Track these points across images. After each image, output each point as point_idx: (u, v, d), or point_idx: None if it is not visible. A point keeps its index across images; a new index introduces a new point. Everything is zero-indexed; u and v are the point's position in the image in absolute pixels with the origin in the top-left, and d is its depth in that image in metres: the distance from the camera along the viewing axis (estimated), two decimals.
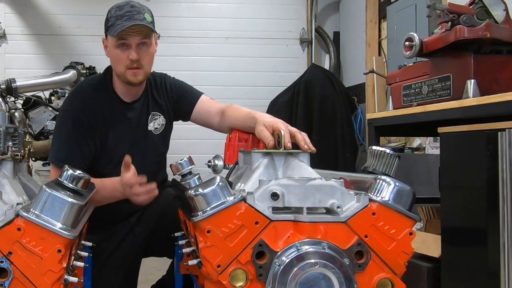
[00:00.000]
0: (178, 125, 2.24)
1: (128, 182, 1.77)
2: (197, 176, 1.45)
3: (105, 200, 1.90)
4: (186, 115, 2.16)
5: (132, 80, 1.96)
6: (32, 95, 4.41)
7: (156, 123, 2.12)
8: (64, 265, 1.20)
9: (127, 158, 1.76)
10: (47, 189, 1.23)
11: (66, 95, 4.47)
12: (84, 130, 1.96)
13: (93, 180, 1.84)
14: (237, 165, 1.66)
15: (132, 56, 1.91)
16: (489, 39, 2.01)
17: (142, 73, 1.97)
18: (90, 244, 1.60)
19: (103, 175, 1.96)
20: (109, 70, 2.08)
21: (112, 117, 2.01)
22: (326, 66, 5.32)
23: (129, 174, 1.77)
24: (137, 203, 1.84)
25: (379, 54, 4.72)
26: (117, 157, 2.02)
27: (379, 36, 4.76)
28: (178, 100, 2.15)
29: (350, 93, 4.85)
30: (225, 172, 1.68)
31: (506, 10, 2.09)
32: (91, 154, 1.99)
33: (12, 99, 4.29)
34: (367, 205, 1.27)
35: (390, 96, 2.61)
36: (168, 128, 2.17)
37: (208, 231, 1.22)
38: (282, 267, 1.20)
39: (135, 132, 2.07)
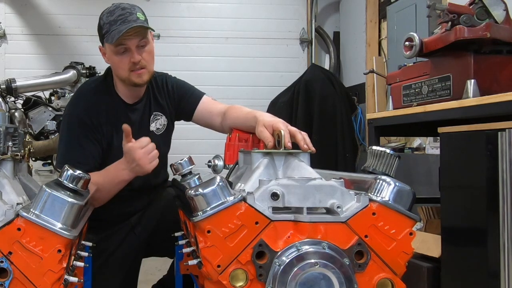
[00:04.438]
0: (178, 125, 2.24)
1: (131, 148, 1.73)
2: (197, 176, 1.45)
3: (114, 186, 1.85)
4: (188, 116, 2.16)
5: (138, 82, 1.95)
6: (32, 95, 4.42)
7: (158, 124, 2.12)
8: (64, 265, 1.20)
9: (126, 127, 1.71)
10: (47, 189, 1.22)
11: (66, 95, 4.48)
12: (91, 133, 1.95)
13: (96, 173, 1.84)
14: (237, 165, 1.66)
15: (134, 59, 1.90)
16: (489, 39, 2.01)
17: (147, 73, 1.96)
18: (90, 244, 1.60)
19: None
20: (109, 72, 2.08)
21: (115, 119, 2.01)
22: (326, 66, 5.33)
23: (130, 143, 1.73)
24: (145, 169, 1.76)
25: (379, 54, 4.73)
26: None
27: (379, 36, 4.76)
28: (180, 100, 2.15)
29: (350, 93, 4.86)
30: (225, 172, 1.68)
31: (506, 10, 2.09)
32: (100, 156, 1.97)
33: (12, 99, 4.29)
34: (367, 205, 1.27)
35: (390, 96, 2.61)
36: (169, 129, 2.16)
37: (208, 231, 1.22)
38: (282, 267, 1.20)
39: (137, 133, 2.06)
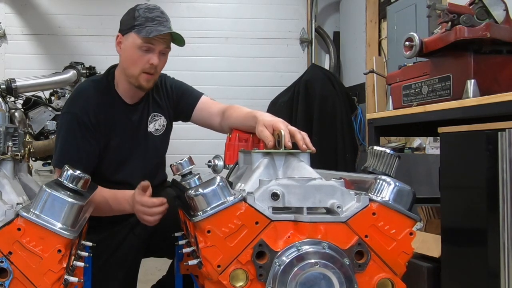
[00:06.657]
0: (178, 125, 2.24)
1: (138, 205, 1.76)
2: (197, 176, 1.45)
3: (116, 211, 1.90)
4: (186, 116, 2.16)
5: (145, 85, 1.97)
6: (32, 95, 4.42)
7: (156, 124, 2.12)
8: (64, 265, 1.20)
9: (146, 184, 1.73)
10: (47, 189, 1.22)
11: (66, 95, 4.48)
12: (88, 132, 1.95)
13: (105, 191, 1.85)
14: (237, 165, 1.66)
15: (154, 61, 1.92)
16: (489, 39, 2.01)
17: (153, 80, 1.99)
18: (90, 244, 1.60)
19: (105, 177, 1.95)
20: (111, 71, 2.07)
21: (114, 119, 2.01)
22: (326, 66, 5.32)
23: (143, 198, 1.75)
24: (145, 224, 1.81)
25: (379, 54, 4.72)
26: (119, 159, 2.02)
27: (379, 36, 4.76)
28: (178, 100, 2.15)
29: (350, 93, 4.86)
30: (225, 172, 1.68)
31: (506, 10, 2.09)
32: (96, 156, 1.98)
33: (12, 99, 4.29)
34: (367, 205, 1.27)
35: (390, 96, 2.60)
36: (168, 129, 2.16)
37: (208, 231, 1.22)
38: (282, 267, 1.20)
39: (136, 134, 2.06)
